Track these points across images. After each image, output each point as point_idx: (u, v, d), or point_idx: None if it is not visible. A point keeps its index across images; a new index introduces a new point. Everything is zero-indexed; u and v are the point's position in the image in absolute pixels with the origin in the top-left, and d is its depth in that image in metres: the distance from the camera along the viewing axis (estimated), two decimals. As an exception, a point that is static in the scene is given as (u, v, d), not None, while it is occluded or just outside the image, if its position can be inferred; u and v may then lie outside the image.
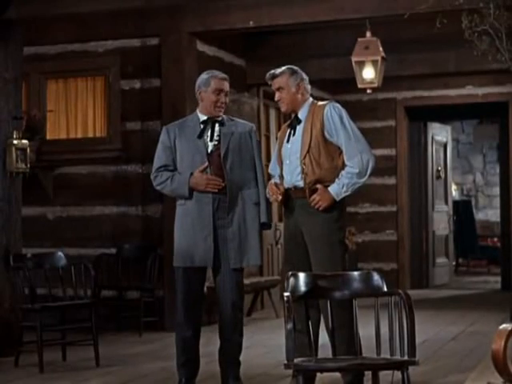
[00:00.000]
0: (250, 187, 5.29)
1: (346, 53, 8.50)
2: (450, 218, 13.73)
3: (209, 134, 5.29)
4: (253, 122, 10.06)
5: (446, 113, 13.00)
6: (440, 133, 13.36)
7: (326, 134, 5.03)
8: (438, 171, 13.26)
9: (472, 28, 6.36)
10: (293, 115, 5.22)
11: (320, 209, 4.99)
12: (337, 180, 5.02)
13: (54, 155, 8.73)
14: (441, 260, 13.30)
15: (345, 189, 5.03)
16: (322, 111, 5.08)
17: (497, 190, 15.09)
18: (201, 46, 8.76)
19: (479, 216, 17.07)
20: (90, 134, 8.91)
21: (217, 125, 5.30)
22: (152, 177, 5.37)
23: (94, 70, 8.84)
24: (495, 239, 15.87)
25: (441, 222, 13.31)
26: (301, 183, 5.04)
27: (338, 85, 11.53)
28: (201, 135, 5.27)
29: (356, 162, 5.02)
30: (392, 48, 8.59)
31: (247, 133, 5.38)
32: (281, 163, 5.21)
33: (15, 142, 7.23)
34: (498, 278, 13.00)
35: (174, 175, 5.27)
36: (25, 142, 7.33)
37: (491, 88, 11.55)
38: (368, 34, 8.24)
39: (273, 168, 5.36)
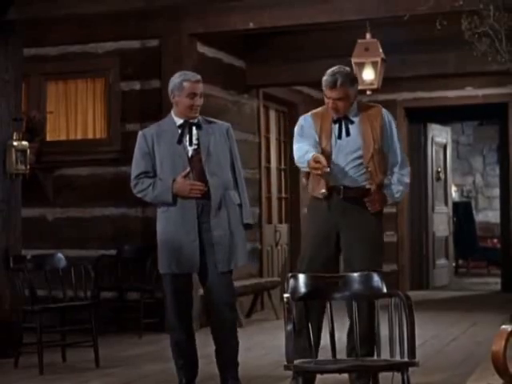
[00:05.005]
0: (231, 189, 5.22)
1: (345, 54, 8.50)
2: (449, 220, 13.73)
3: (187, 138, 5.20)
4: (253, 124, 10.23)
5: (446, 114, 13.00)
6: (440, 134, 13.36)
7: (383, 140, 5.07)
8: (438, 172, 13.27)
9: (472, 29, 6.37)
10: (335, 114, 5.12)
11: (373, 211, 5.01)
12: (392, 186, 5.10)
13: (53, 156, 8.72)
14: (441, 261, 13.30)
15: (397, 195, 5.17)
16: (377, 115, 5.10)
17: (497, 192, 15.09)
18: (201, 48, 8.76)
19: (479, 217, 17.06)
20: (90, 136, 8.91)
21: (194, 128, 5.21)
22: (132, 184, 5.26)
23: (94, 72, 8.83)
24: (495, 240, 15.87)
25: (441, 223, 13.30)
26: (355, 183, 5.01)
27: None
28: (180, 140, 5.18)
29: (407, 172, 5.17)
30: (392, 49, 8.59)
31: (224, 133, 5.29)
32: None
33: (15, 143, 7.23)
34: (498, 280, 13.00)
35: (156, 182, 5.18)
36: (25, 143, 7.33)
37: (491, 89, 11.55)
38: (368, 35, 8.24)
39: (305, 151, 5.01)
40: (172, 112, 5.30)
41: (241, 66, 9.85)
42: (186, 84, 5.17)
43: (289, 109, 11.36)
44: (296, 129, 5.32)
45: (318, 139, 5.11)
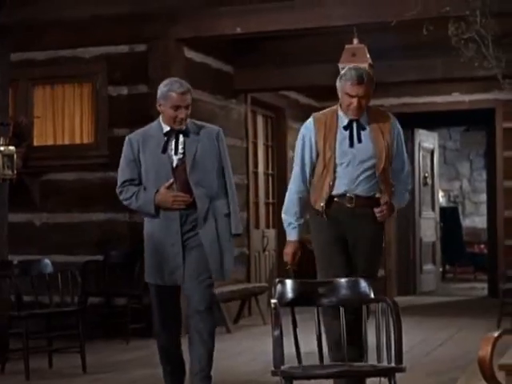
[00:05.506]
0: (219, 198, 5.06)
1: (334, 59, 8.51)
2: (436, 225, 13.76)
3: (173, 146, 5.03)
4: (240, 129, 10.23)
5: (433, 119, 13.03)
6: (427, 139, 13.39)
7: (393, 148, 4.97)
8: (425, 178, 13.30)
9: (459, 35, 6.40)
10: (345, 118, 4.94)
11: (382, 220, 4.92)
12: (399, 194, 5.03)
13: (40, 161, 8.70)
14: (428, 267, 13.32)
15: (402, 204, 5.11)
16: (387, 122, 4.97)
17: (483, 197, 15.13)
18: (188, 53, 8.76)
19: (466, 223, 17.11)
20: (78, 141, 8.89)
21: (181, 136, 5.04)
22: (117, 191, 5.15)
23: (82, 77, 8.82)
24: (482, 246, 15.91)
25: (428, 228, 13.33)
26: (367, 193, 4.88)
27: (326, 92, 11.52)
28: (164, 149, 5.04)
29: (409, 179, 5.17)
30: (379, 55, 8.61)
31: (213, 139, 5.10)
32: (316, 168, 4.95)
33: (2, 148, 7.21)
34: (485, 285, 13.04)
35: (139, 192, 5.06)
36: (11, 148, 7.31)
37: (478, 95, 11.59)
38: (355, 40, 8.25)
39: (291, 218, 4.98)
40: (160, 117, 5.17)
41: (228, 71, 9.85)
42: (171, 94, 5.01)
43: (276, 114, 11.37)
44: (297, 144, 5.05)
45: (323, 155, 4.90)
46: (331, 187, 4.89)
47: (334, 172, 4.89)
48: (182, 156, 5.03)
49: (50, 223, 8.86)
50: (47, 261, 6.93)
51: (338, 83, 4.98)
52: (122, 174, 5.14)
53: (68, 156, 8.74)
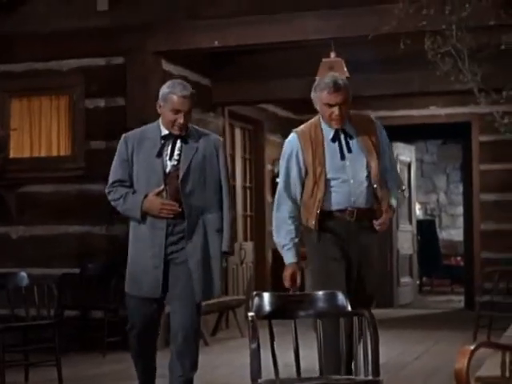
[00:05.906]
0: (212, 211, 4.85)
1: (311, 73, 8.54)
2: (413, 238, 13.80)
3: (168, 151, 4.82)
4: (218, 142, 10.20)
5: (410, 133, 13.09)
6: (404, 152, 13.45)
7: (381, 152, 4.86)
8: (402, 191, 13.32)
9: (435, 49, 6.44)
10: (330, 130, 4.80)
11: (381, 231, 4.81)
12: (395, 193, 4.93)
13: (17, 173, 8.67)
14: (405, 279, 13.35)
15: (398, 202, 5.04)
16: (371, 125, 4.87)
17: (460, 210, 15.20)
18: (166, 65, 8.76)
19: (443, 235, 17.17)
20: (54, 153, 8.86)
21: (178, 141, 4.83)
22: (106, 191, 4.96)
23: (59, 89, 8.79)
24: (458, 258, 15.97)
25: (405, 241, 13.37)
26: (366, 205, 4.77)
27: (303, 105, 11.54)
28: (159, 154, 4.81)
29: (399, 179, 5.12)
30: (356, 68, 8.65)
31: (213, 149, 4.88)
32: (305, 185, 4.81)
33: (-22, 160, 7.18)
34: (462, 297, 13.08)
35: (128, 194, 4.85)
36: (-12, 160, 7.27)
37: (454, 108, 11.67)
38: (332, 54, 8.28)
39: (290, 200, 4.82)
40: (160, 119, 4.91)
41: (206, 84, 9.86)
42: (171, 97, 4.78)
43: (254, 127, 11.38)
44: (281, 161, 4.90)
45: (313, 170, 4.75)
46: (323, 203, 4.74)
47: (327, 187, 4.75)
48: (176, 162, 4.82)
49: (27, 236, 8.81)
50: (23, 274, 6.89)
51: (313, 95, 4.85)
52: (114, 174, 4.93)
53: (45, 168, 8.71)
